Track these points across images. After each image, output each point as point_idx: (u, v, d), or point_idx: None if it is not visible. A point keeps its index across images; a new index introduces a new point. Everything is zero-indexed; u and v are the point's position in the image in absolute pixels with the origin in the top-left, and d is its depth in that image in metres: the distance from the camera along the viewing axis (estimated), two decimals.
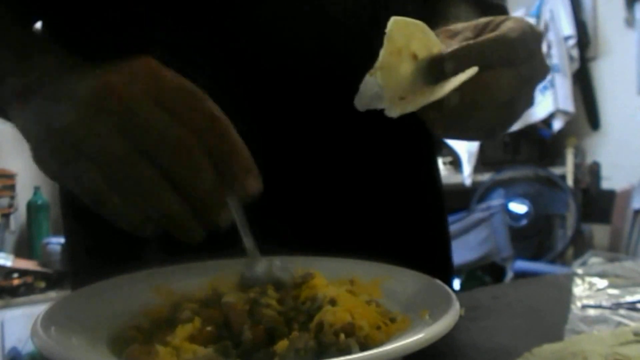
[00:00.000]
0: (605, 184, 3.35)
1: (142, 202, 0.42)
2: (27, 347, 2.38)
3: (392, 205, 0.69)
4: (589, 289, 0.69)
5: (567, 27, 3.30)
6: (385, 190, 0.68)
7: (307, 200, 0.64)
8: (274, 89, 0.61)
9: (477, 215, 3.10)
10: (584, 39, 3.35)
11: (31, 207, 2.76)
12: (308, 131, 0.63)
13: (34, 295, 2.54)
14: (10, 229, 2.80)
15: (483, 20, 0.52)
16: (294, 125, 0.62)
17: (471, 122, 0.51)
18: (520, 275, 2.92)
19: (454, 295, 0.44)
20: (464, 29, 0.52)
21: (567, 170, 3.41)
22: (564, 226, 3.40)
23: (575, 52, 3.34)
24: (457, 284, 2.99)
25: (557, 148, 3.52)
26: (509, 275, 3.01)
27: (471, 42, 0.49)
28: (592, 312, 0.61)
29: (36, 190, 2.74)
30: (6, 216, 2.76)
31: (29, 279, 2.56)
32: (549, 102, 3.24)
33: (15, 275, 2.55)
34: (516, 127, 3.23)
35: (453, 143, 3.26)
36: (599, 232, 3.30)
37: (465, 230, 3.03)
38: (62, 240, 2.57)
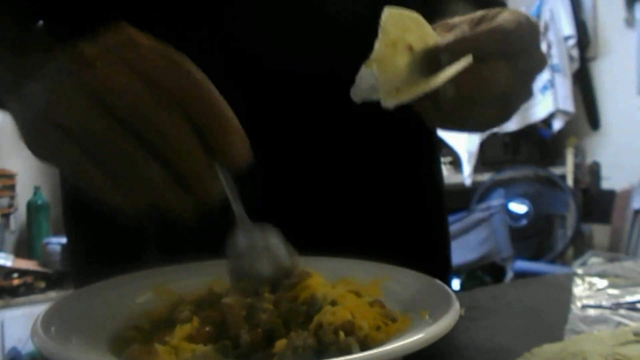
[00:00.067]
0: (605, 184, 3.35)
1: (125, 175, 0.40)
2: (27, 347, 2.38)
3: (392, 205, 0.69)
4: (589, 289, 0.69)
5: (567, 27, 3.30)
6: (385, 190, 0.68)
7: (307, 199, 0.64)
8: (273, 89, 0.61)
9: (477, 215, 3.10)
10: (584, 39, 3.35)
11: (31, 207, 2.76)
12: (308, 131, 0.63)
13: (34, 295, 2.53)
14: (10, 229, 2.80)
15: (479, 13, 0.52)
16: (294, 125, 0.62)
17: (468, 115, 0.51)
18: (520, 275, 2.92)
19: (454, 295, 0.44)
20: (460, 22, 0.52)
21: (567, 170, 3.41)
22: (564, 226, 3.40)
23: (575, 52, 3.34)
24: (457, 284, 2.99)
25: (557, 148, 3.52)
26: (509, 275, 3.01)
27: (467, 33, 0.49)
28: (592, 312, 0.61)
29: (36, 190, 2.74)
30: (6, 216, 2.76)
31: (29, 279, 2.56)
32: (549, 102, 3.24)
33: (15, 275, 2.55)
34: (516, 127, 3.25)
35: (453, 143, 3.27)
36: (599, 232, 3.30)
37: (465, 230, 3.03)
38: (62, 240, 2.57)
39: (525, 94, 0.53)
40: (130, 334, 0.43)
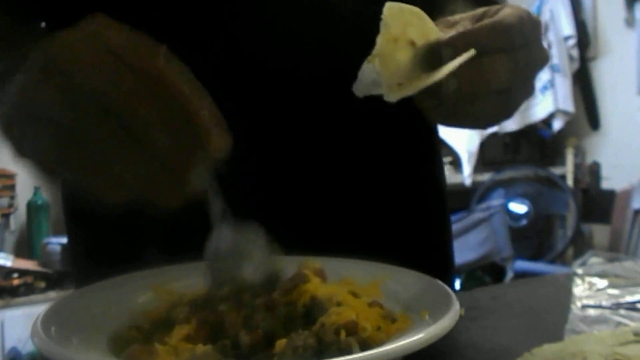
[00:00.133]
0: (605, 184, 3.35)
1: (99, 161, 0.40)
2: (27, 347, 2.38)
3: (393, 205, 0.69)
4: (589, 289, 0.69)
5: (567, 27, 3.30)
6: (386, 190, 0.68)
7: (307, 199, 0.64)
8: (274, 88, 0.61)
9: (477, 215, 3.10)
10: (584, 39, 3.35)
11: (31, 207, 2.76)
12: (309, 130, 0.63)
13: (34, 295, 2.53)
14: (10, 229, 2.80)
15: (481, 10, 0.52)
16: (294, 124, 0.62)
17: (469, 110, 0.51)
18: (520, 275, 2.92)
19: (454, 296, 0.44)
20: (462, 19, 0.52)
21: (567, 170, 3.41)
22: (564, 226, 3.40)
23: (575, 52, 3.34)
24: (457, 284, 2.99)
25: (557, 148, 3.53)
26: (509, 275, 3.01)
27: (469, 28, 0.49)
28: (592, 312, 0.61)
29: (36, 190, 2.74)
30: (6, 216, 2.76)
31: (29, 279, 2.56)
32: (549, 102, 3.24)
33: (15, 275, 2.55)
34: (516, 127, 3.25)
35: (453, 143, 3.27)
36: (599, 232, 3.30)
37: (465, 230, 3.03)
38: (62, 240, 2.57)
39: (527, 89, 0.53)
40: (130, 333, 0.43)
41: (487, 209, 3.12)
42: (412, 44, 0.48)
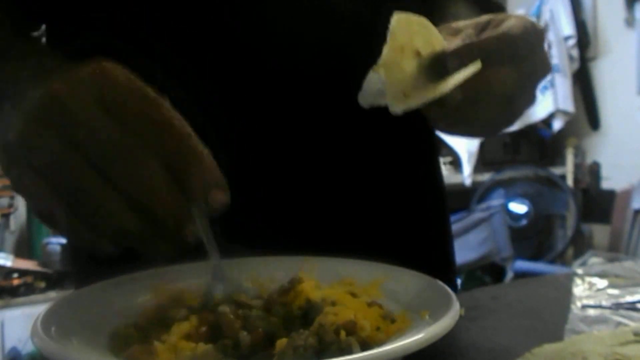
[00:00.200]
0: (605, 184, 3.35)
1: (93, 217, 0.39)
2: (27, 347, 2.38)
3: (393, 205, 0.69)
4: (589, 289, 0.69)
5: (567, 27, 3.30)
6: (386, 190, 0.68)
7: (307, 199, 0.64)
8: (276, 88, 0.61)
9: (477, 215, 3.10)
10: (584, 39, 3.35)
11: None
12: (309, 130, 0.63)
13: (34, 295, 2.54)
14: (10, 229, 2.80)
15: (485, 17, 0.52)
16: (296, 124, 0.62)
17: (473, 118, 0.51)
18: (520, 275, 2.92)
19: (454, 296, 0.44)
20: (466, 27, 0.52)
21: (567, 170, 3.42)
22: (564, 226, 3.40)
23: (575, 52, 3.34)
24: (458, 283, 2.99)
25: (557, 148, 3.53)
26: (509, 275, 3.01)
27: (474, 39, 0.49)
28: (592, 312, 0.61)
29: None
30: (6, 216, 2.76)
31: (29, 279, 2.56)
32: (549, 102, 3.24)
33: (15, 275, 2.55)
34: (516, 127, 3.25)
35: (453, 143, 3.27)
36: (599, 232, 3.30)
37: (465, 230, 3.03)
38: (62, 240, 2.57)
39: (528, 98, 0.54)
40: (129, 332, 0.43)
41: (487, 209, 3.12)
42: (418, 53, 0.49)
